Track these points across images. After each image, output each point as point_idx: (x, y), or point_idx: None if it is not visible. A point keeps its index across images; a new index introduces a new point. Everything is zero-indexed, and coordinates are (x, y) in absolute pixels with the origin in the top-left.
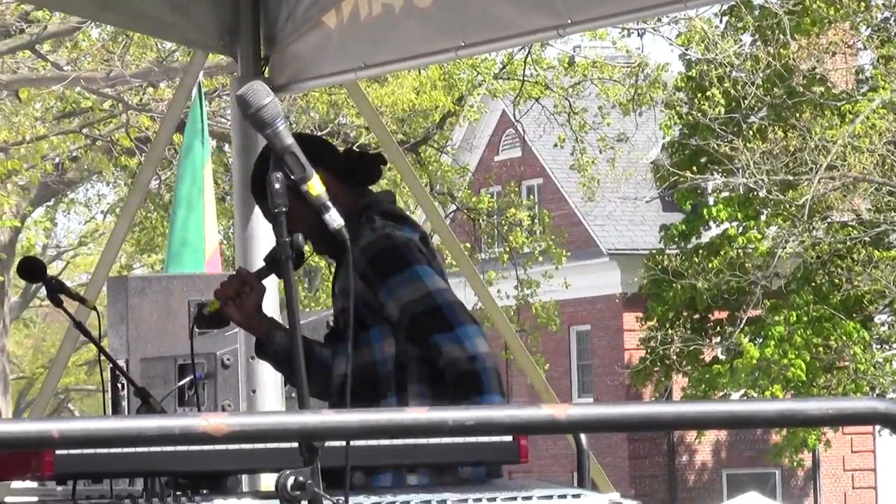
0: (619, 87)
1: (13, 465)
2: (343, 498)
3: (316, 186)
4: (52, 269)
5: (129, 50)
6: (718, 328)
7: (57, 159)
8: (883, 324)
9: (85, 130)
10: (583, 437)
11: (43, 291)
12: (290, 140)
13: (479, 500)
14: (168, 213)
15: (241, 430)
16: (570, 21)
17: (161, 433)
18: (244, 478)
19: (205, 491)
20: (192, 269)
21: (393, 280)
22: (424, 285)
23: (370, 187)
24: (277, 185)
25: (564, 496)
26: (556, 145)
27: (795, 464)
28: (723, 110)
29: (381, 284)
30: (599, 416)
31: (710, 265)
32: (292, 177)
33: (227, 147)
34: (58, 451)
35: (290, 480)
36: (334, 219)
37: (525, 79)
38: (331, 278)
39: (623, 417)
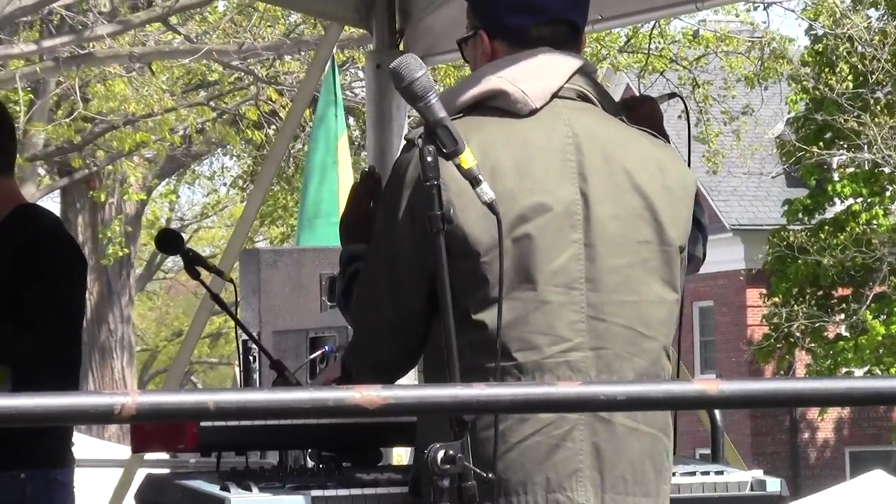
0: (744, 60)
1: (156, 437)
2: (492, 474)
3: (468, 160)
4: None
5: (257, 23)
6: (843, 305)
7: (184, 132)
8: None
9: (212, 103)
10: (717, 413)
11: (167, 264)
12: (442, 113)
13: None
14: (291, 186)
15: (396, 403)
16: None
17: (315, 405)
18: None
19: (347, 464)
20: (327, 240)
21: None
22: None
23: None
24: (430, 158)
25: (707, 472)
26: (679, 116)
27: None
28: (850, 85)
29: None
30: (751, 391)
31: (834, 241)
32: (444, 150)
33: (350, 120)
34: (202, 424)
35: (440, 454)
36: (485, 192)
37: (650, 52)
38: None
39: (775, 393)
